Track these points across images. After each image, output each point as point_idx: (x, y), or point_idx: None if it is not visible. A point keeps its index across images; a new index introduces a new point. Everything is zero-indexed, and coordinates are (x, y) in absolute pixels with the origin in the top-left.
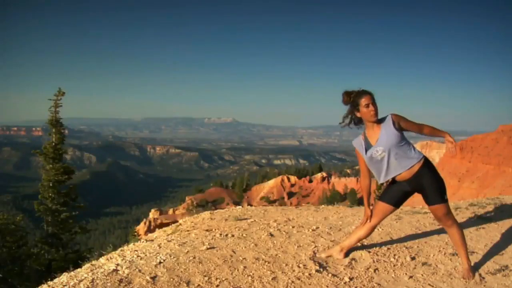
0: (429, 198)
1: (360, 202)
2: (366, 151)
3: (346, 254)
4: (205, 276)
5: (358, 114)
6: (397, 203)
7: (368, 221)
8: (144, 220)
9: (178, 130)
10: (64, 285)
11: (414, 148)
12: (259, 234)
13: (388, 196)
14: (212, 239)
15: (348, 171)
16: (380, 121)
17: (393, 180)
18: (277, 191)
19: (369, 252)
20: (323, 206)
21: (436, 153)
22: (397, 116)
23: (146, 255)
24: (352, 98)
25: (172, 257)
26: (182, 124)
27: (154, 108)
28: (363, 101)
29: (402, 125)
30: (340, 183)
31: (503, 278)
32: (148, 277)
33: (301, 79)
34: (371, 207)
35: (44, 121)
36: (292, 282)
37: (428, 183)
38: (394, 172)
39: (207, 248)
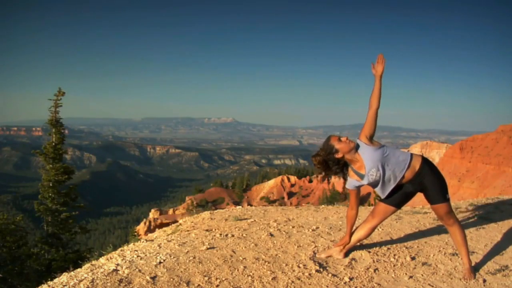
0: (431, 197)
1: (362, 202)
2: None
3: (346, 254)
4: (205, 276)
5: (338, 155)
6: (398, 204)
7: (342, 247)
8: (144, 220)
9: (178, 130)
10: (64, 285)
11: (399, 150)
12: (259, 234)
13: (390, 197)
14: (212, 239)
15: None
16: (356, 151)
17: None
18: (277, 191)
19: (369, 252)
20: (323, 206)
21: (436, 153)
22: (361, 134)
23: (146, 255)
24: (322, 153)
25: (172, 257)
26: (182, 124)
27: (154, 108)
28: (333, 140)
29: (368, 134)
30: (340, 183)
31: (503, 278)
32: (148, 277)
33: (301, 79)
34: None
35: (44, 121)
36: (292, 282)
37: (430, 182)
38: (395, 179)
39: (207, 248)
